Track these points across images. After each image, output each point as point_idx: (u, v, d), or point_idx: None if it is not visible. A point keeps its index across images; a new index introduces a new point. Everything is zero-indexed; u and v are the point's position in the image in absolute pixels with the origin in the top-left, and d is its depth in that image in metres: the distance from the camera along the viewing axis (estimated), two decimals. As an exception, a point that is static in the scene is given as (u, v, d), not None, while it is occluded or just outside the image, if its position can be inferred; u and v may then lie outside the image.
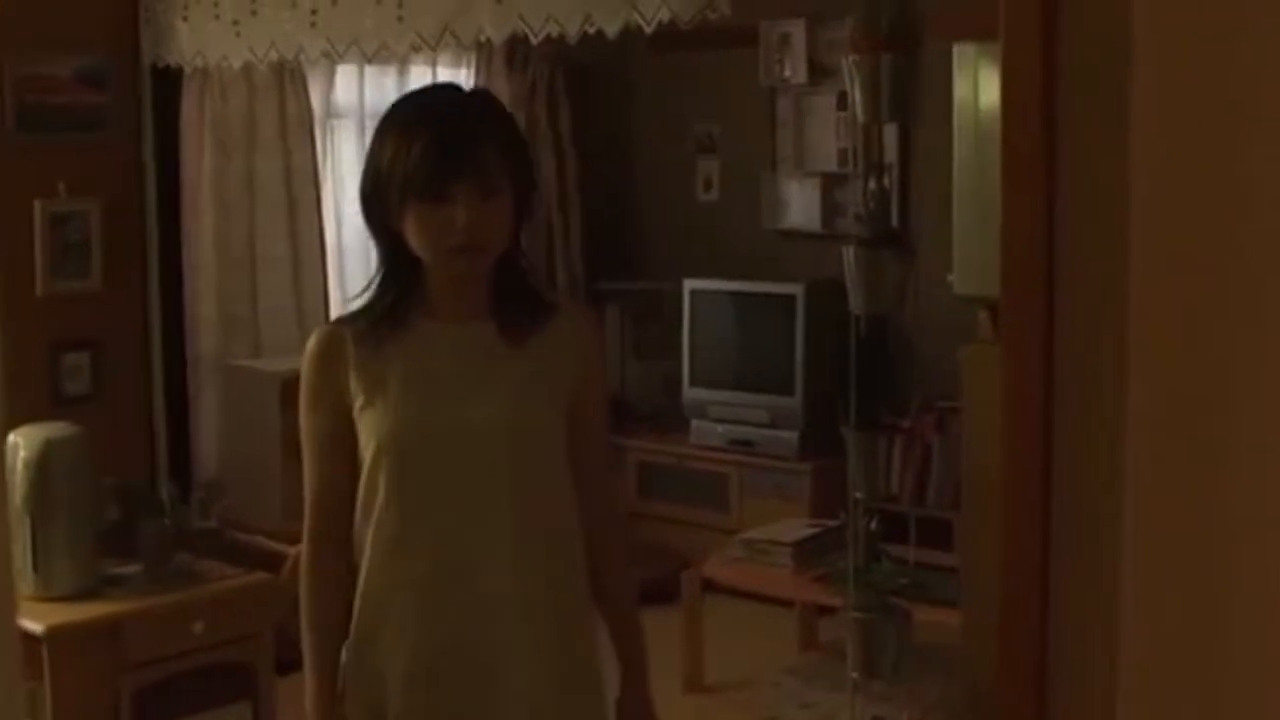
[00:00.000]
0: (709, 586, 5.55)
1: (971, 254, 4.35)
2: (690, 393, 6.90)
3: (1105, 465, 1.65)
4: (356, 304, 2.61)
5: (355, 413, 2.48)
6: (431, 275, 2.48)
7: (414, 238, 2.42)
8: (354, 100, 6.44)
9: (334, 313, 6.07)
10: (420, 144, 2.39)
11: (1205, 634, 1.66)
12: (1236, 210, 1.59)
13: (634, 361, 7.31)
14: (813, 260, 6.51)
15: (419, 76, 6.51)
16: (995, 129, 4.33)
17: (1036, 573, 1.73)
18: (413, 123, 2.44)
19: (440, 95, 2.64)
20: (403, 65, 6.52)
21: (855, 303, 3.51)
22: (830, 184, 6.85)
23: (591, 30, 3.91)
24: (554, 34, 3.99)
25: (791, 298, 6.51)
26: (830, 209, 6.84)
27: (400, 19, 4.29)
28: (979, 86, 4.33)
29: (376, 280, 2.53)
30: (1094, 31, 1.64)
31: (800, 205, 6.95)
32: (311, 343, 2.56)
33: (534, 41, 4.03)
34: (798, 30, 6.80)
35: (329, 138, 6.34)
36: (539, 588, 2.49)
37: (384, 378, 2.47)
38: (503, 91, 6.68)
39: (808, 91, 6.85)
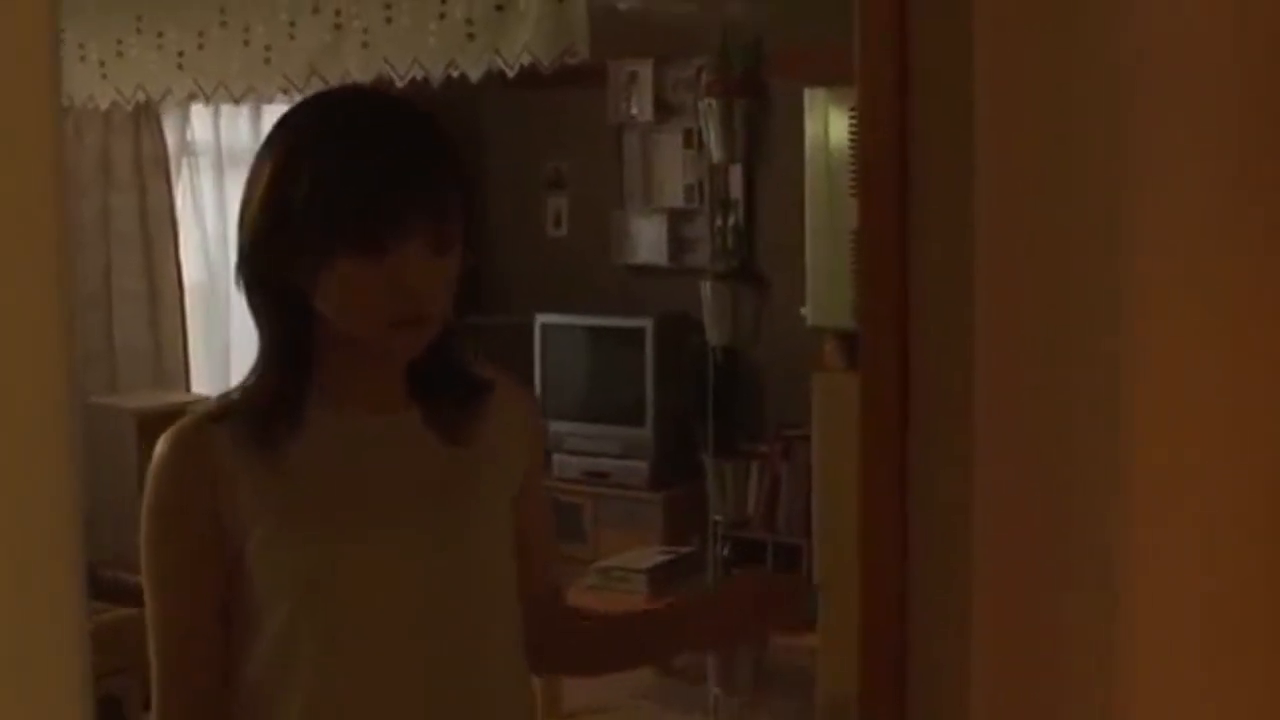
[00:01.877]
0: (566, 615, 5.61)
1: (824, 287, 4.53)
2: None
3: (956, 487, 1.77)
4: (227, 393, 1.89)
5: (239, 547, 1.79)
6: (335, 351, 1.83)
7: (333, 302, 1.77)
8: (210, 138, 6.48)
9: (194, 351, 6.10)
10: (356, 174, 1.74)
11: (1048, 645, 1.79)
12: (1071, 246, 1.75)
13: None
14: (661, 294, 6.66)
15: (273, 113, 6.56)
16: (844, 168, 4.56)
17: (895, 591, 1.83)
18: (342, 143, 1.77)
19: (370, 104, 1.90)
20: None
21: (712, 335, 3.65)
22: (677, 220, 7.00)
23: (455, 74, 4.03)
24: (419, 77, 4.10)
25: (641, 331, 6.65)
26: (677, 244, 6.99)
27: (268, 61, 4.38)
28: (829, 128, 4.52)
29: (260, 360, 1.85)
30: (941, 84, 1.78)
31: (648, 240, 7.09)
32: (163, 449, 1.81)
33: (399, 85, 4.15)
34: (645, 70, 6.95)
35: (185, 176, 6.39)
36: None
37: (283, 496, 1.80)
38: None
39: (654, 129, 7.00)
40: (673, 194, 7.01)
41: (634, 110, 7.02)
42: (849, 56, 1.89)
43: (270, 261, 1.80)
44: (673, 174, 7.02)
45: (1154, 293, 1.78)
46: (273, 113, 6.57)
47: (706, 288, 3.64)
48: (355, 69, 4.19)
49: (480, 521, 1.91)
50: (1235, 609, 2.03)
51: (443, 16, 3.90)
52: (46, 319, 0.72)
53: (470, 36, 3.86)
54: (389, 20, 4.04)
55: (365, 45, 4.15)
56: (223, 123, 6.49)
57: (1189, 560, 1.90)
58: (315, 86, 4.43)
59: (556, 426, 6.88)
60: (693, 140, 6.73)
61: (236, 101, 5.17)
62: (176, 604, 1.84)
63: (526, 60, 3.83)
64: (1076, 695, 1.79)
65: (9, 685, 0.77)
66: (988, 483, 1.76)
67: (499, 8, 3.79)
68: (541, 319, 6.91)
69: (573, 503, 6.76)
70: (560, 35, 3.75)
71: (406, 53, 4.06)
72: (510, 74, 3.92)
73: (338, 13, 4.18)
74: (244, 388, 1.84)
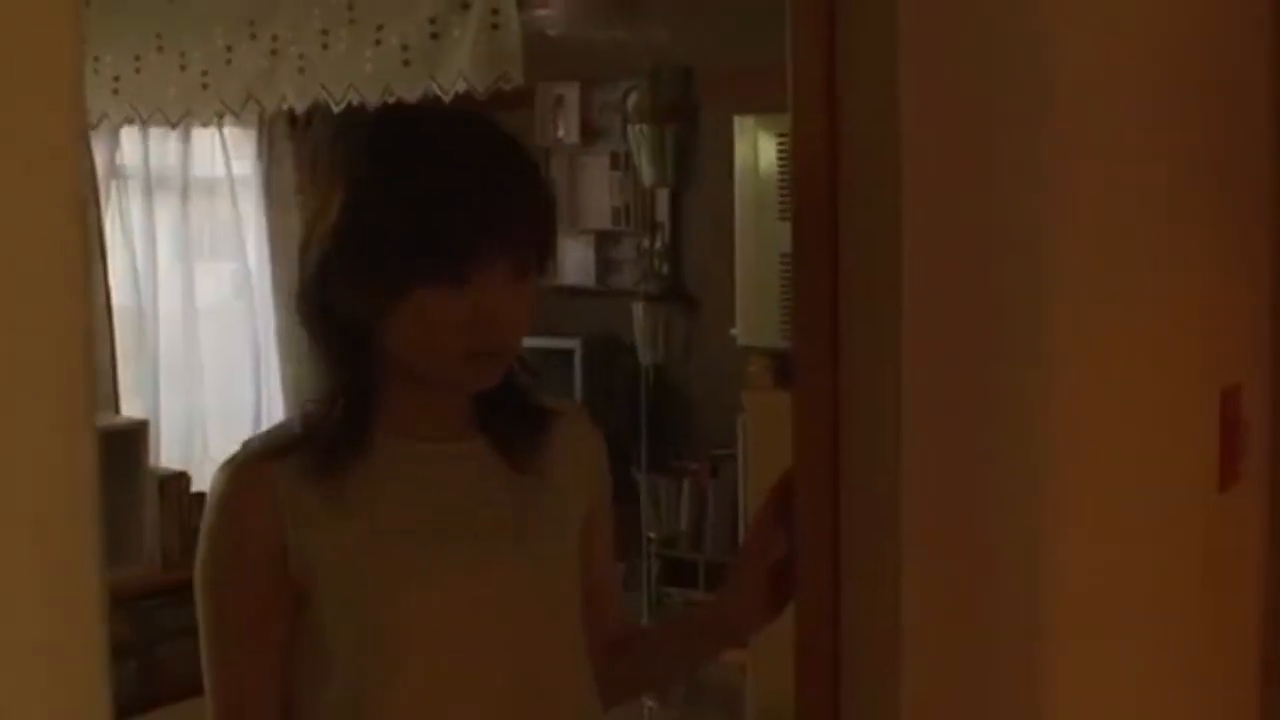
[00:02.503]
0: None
1: (753, 307, 4.61)
2: (473, 446, 6.96)
3: (886, 500, 1.80)
4: (281, 428, 1.81)
5: (307, 587, 1.69)
6: (399, 381, 1.73)
7: (407, 335, 1.67)
8: (139, 161, 6.49)
9: (123, 374, 6.10)
10: (442, 200, 1.64)
11: (975, 647, 1.85)
12: (993, 265, 1.82)
13: None
14: (589, 315, 6.71)
15: (203, 136, 6.59)
16: (773, 192, 4.65)
17: (828, 602, 1.87)
18: (425, 167, 1.66)
19: (450, 124, 1.79)
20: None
21: (644, 355, 3.72)
22: (604, 241, 7.03)
23: (392, 99, 4.09)
24: (355, 102, 4.15)
25: (570, 352, 6.69)
26: (605, 266, 7.03)
27: (205, 86, 4.41)
28: (758, 153, 4.61)
29: (322, 393, 1.74)
30: (869, 111, 1.84)
31: (575, 262, 7.13)
32: (223, 487, 1.72)
33: (335, 110, 4.20)
34: (572, 93, 6.99)
35: (114, 199, 6.39)
36: None
37: (354, 534, 1.70)
38: (287, 153, 6.79)
39: (581, 152, 7.03)
40: (600, 216, 7.05)
41: (561, 133, 7.05)
42: (778, 83, 1.92)
43: (340, 293, 1.69)
44: (600, 196, 7.05)
45: (1069, 309, 1.87)
46: (203, 136, 6.60)
47: (638, 308, 3.71)
48: (292, 95, 4.23)
49: (550, 554, 1.82)
50: (1148, 600, 2.13)
51: (379, 43, 3.96)
52: (71, 336, 0.78)
53: (406, 63, 3.92)
54: (325, 47, 4.09)
55: (302, 71, 4.19)
56: (152, 145, 6.50)
57: (1107, 564, 1.99)
58: (252, 111, 4.47)
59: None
60: (619, 163, 6.77)
61: (173, 126, 5.19)
62: (241, 646, 1.73)
63: (462, 87, 3.89)
64: (1004, 696, 1.87)
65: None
66: (916, 495, 1.81)
67: (434, 35, 3.85)
68: None
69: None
70: (495, 62, 3.81)
71: (343, 79, 4.11)
72: (446, 100, 3.99)
73: (274, 39, 4.22)
74: (304, 422, 1.74)
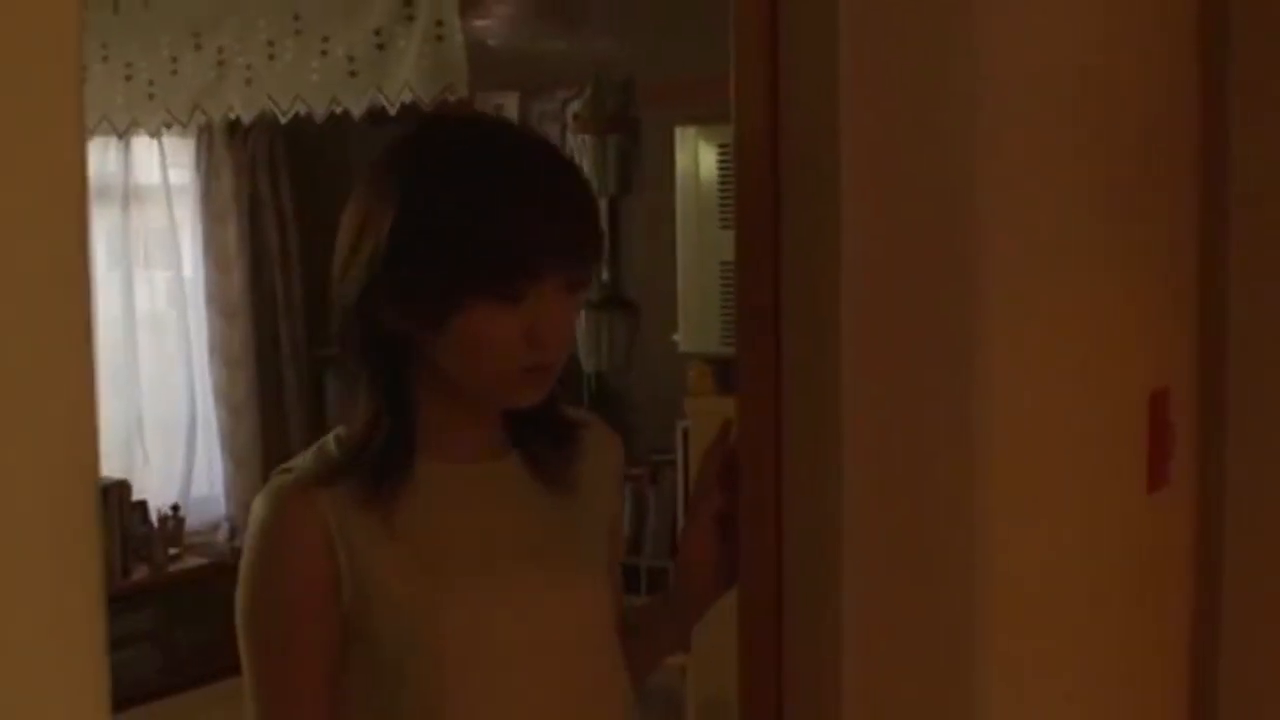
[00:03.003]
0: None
1: (695, 314, 4.67)
2: (413, 454, 6.96)
3: (827, 501, 1.86)
4: (317, 452, 1.71)
5: (359, 614, 1.65)
6: (438, 400, 1.70)
7: (459, 352, 1.64)
8: (80, 170, 6.48)
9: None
10: (503, 214, 1.61)
11: (912, 643, 1.89)
12: (930, 273, 1.86)
13: None
14: None
15: (142, 145, 6.59)
16: (714, 201, 4.70)
17: (771, 603, 1.90)
18: (483, 181, 1.63)
19: (501, 137, 1.76)
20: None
21: (586, 361, 3.76)
22: None
23: (338, 110, 4.12)
24: (301, 113, 4.18)
25: None
26: None
27: (151, 96, 4.42)
28: (699, 163, 4.66)
29: (364, 415, 1.68)
30: (810, 121, 1.87)
31: None
32: (268, 514, 1.66)
33: (283, 121, 4.22)
34: (510, 102, 7.01)
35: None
36: None
37: (407, 558, 1.66)
38: (225, 162, 6.80)
39: None
40: None
41: None
42: (720, 93, 1.97)
43: (390, 313, 1.65)
44: None
45: (1003, 313, 1.91)
46: (142, 145, 6.60)
47: (581, 317, 3.74)
48: (239, 105, 4.25)
49: (590, 568, 1.82)
50: (1080, 599, 2.17)
51: (324, 54, 3.99)
52: (74, 345, 0.82)
53: (352, 74, 3.96)
54: (272, 57, 4.12)
55: (249, 82, 4.21)
56: (93, 153, 6.50)
57: (1041, 562, 2.03)
58: (199, 121, 4.49)
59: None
60: None
61: (120, 136, 5.19)
62: (295, 680, 1.67)
63: (408, 97, 3.93)
64: (941, 690, 1.91)
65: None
66: (856, 498, 1.87)
67: (380, 46, 3.88)
68: None
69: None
70: (440, 73, 3.85)
71: (289, 89, 4.14)
72: (392, 111, 4.02)
73: (220, 49, 4.24)
74: (342, 446, 1.70)
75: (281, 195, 7.20)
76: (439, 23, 3.83)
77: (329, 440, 1.73)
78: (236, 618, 1.69)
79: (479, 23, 4.89)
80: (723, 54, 1.93)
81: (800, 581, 1.93)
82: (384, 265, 1.64)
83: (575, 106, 4.71)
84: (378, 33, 3.94)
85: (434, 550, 1.70)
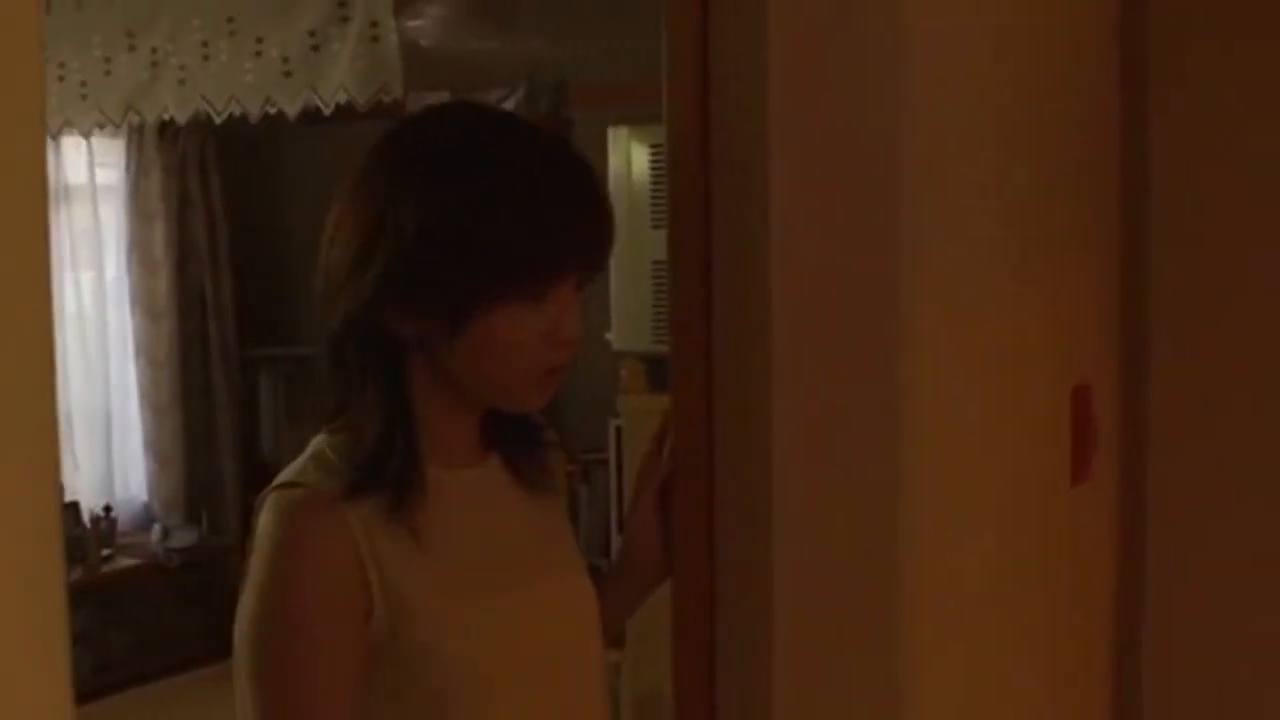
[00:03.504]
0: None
1: (627, 313, 4.69)
2: (348, 453, 6.94)
3: (758, 494, 1.89)
4: (314, 461, 1.61)
5: (391, 633, 1.55)
6: (437, 407, 1.63)
7: (478, 356, 1.57)
8: None
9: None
10: (531, 213, 1.55)
11: (842, 628, 1.92)
12: (857, 273, 1.88)
13: (287, 426, 7.41)
14: None
15: (70, 145, 6.56)
16: (646, 201, 4.73)
17: (705, 597, 1.94)
18: (526, 177, 1.57)
19: (530, 134, 1.66)
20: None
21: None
22: None
23: (273, 111, 4.13)
24: (235, 114, 4.18)
25: None
26: None
27: (84, 96, 4.41)
28: (631, 163, 4.69)
29: (371, 427, 1.58)
30: (740, 125, 1.89)
31: None
32: (286, 532, 1.54)
33: (217, 121, 4.23)
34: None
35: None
36: None
37: (436, 572, 1.59)
38: (154, 162, 6.78)
39: None
40: None
41: None
42: (652, 95, 1.99)
43: (404, 317, 1.57)
44: None
45: (930, 311, 1.95)
46: (72, 145, 6.57)
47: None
48: (173, 105, 4.25)
49: (580, 567, 1.81)
50: (1005, 590, 2.21)
51: (259, 55, 4.00)
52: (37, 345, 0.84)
53: (287, 75, 3.97)
54: (206, 58, 4.12)
55: (182, 83, 4.21)
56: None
57: (966, 554, 2.08)
58: (132, 122, 4.48)
59: (359, 454, 6.88)
60: None
61: (53, 137, 5.17)
62: (317, 706, 1.53)
63: (343, 98, 3.95)
64: (869, 677, 1.94)
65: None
66: (786, 489, 1.90)
67: (315, 48, 3.90)
68: None
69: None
70: (375, 74, 3.87)
71: (224, 90, 4.14)
72: (327, 111, 4.04)
73: (154, 50, 4.24)
74: (349, 456, 1.59)
75: (212, 195, 7.19)
76: (373, 24, 3.85)
77: (322, 450, 1.61)
78: (246, 645, 1.54)
79: (412, 23, 4.90)
80: (655, 56, 1.95)
81: (732, 575, 1.96)
82: (405, 267, 1.54)
83: (508, 107, 4.73)
84: (312, 34, 3.95)
85: (460, 563, 1.63)
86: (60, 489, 0.84)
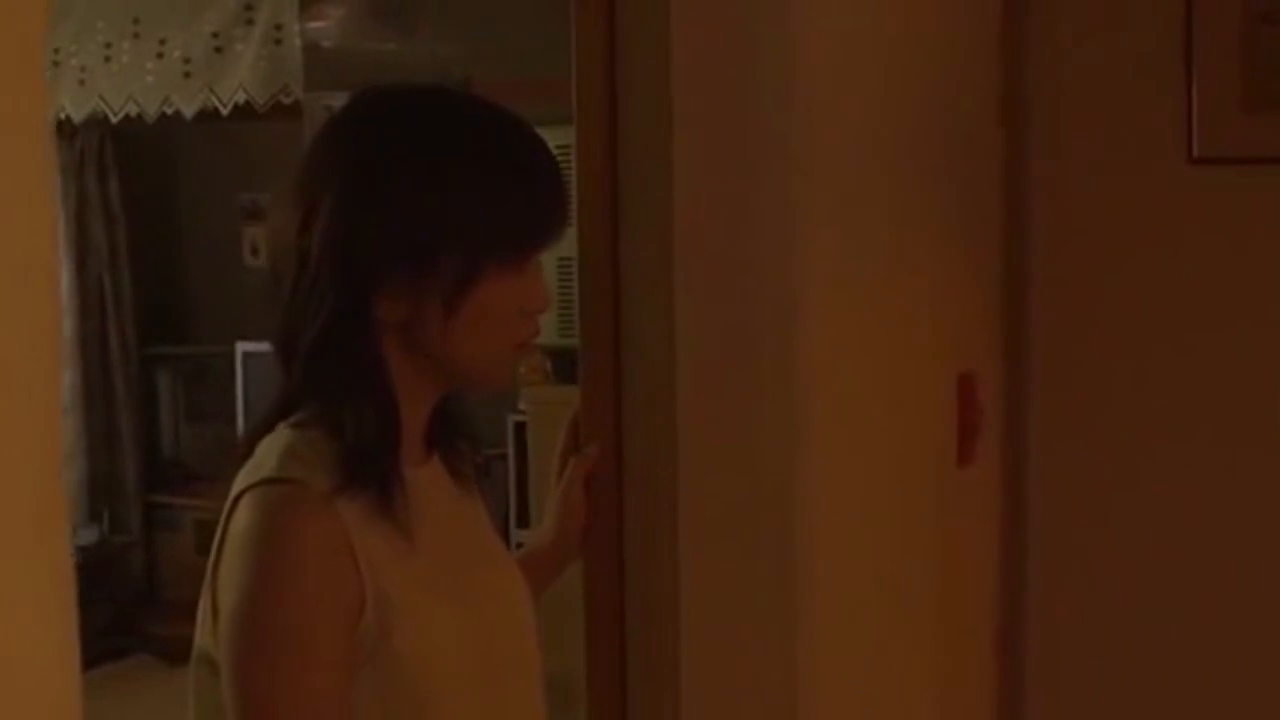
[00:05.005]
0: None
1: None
2: (248, 451, 6.94)
3: (663, 480, 1.97)
4: (279, 457, 1.50)
5: (385, 633, 1.47)
6: (406, 399, 1.56)
7: (469, 333, 1.53)
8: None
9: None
10: (528, 186, 1.54)
11: (742, 616, 2.00)
12: (755, 264, 1.96)
13: (187, 425, 7.38)
14: None
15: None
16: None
17: (614, 581, 1.99)
18: (507, 151, 1.55)
19: (496, 110, 1.62)
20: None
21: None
22: None
23: (170, 111, 4.14)
24: (133, 114, 4.20)
25: None
26: None
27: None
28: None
29: (354, 422, 1.51)
30: (645, 125, 1.94)
31: None
32: (278, 526, 1.45)
33: (113, 121, 4.25)
34: (339, 103, 6.91)
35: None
36: None
37: (421, 571, 1.54)
38: (53, 163, 6.76)
39: None
40: None
41: None
42: (557, 95, 2.05)
43: (397, 300, 1.51)
44: None
45: (822, 301, 2.03)
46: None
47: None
48: (70, 105, 4.27)
49: (512, 562, 1.77)
50: (894, 569, 2.29)
51: (160, 56, 4.03)
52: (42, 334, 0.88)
53: (187, 75, 4.00)
54: (107, 59, 4.14)
55: (81, 83, 4.23)
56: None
57: (858, 534, 2.15)
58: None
59: (259, 452, 6.89)
60: None
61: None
62: (313, 708, 1.45)
63: (242, 99, 3.99)
64: (765, 656, 2.02)
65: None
66: (690, 474, 1.98)
67: (218, 49, 3.93)
68: (243, 347, 6.92)
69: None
70: (276, 76, 3.91)
71: (123, 90, 4.16)
72: (224, 112, 4.07)
73: (55, 50, 4.26)
74: (328, 456, 1.50)
75: (110, 195, 7.16)
76: (278, 26, 3.89)
77: (294, 446, 1.52)
78: (235, 648, 1.46)
79: (313, 25, 4.93)
80: (559, 56, 2.01)
81: (640, 558, 2.02)
82: (408, 252, 1.50)
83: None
84: (216, 35, 3.99)
85: (438, 560, 1.58)
86: (59, 475, 0.89)
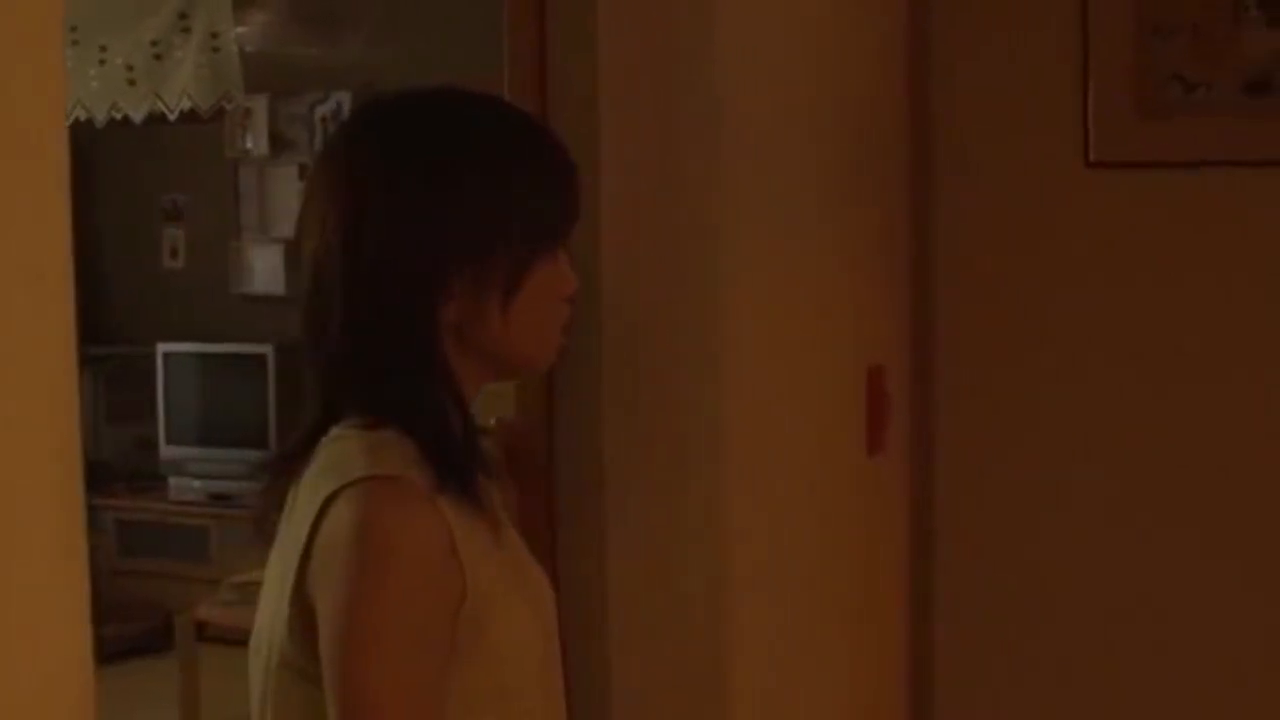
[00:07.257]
0: (202, 632, 5.44)
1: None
2: (167, 451, 7.00)
3: (594, 469, 2.08)
4: (367, 454, 1.47)
5: (479, 626, 1.47)
6: (469, 391, 1.56)
7: (526, 319, 1.55)
8: None
9: None
10: (569, 173, 1.58)
11: (670, 605, 2.10)
12: (680, 271, 2.07)
13: (107, 425, 7.34)
14: (280, 321, 6.70)
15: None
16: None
17: (548, 561, 2.02)
18: (537, 142, 1.59)
19: (490, 103, 1.65)
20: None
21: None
22: (293, 249, 6.97)
23: (119, 116, 4.20)
24: (82, 118, 4.26)
25: (262, 357, 6.67)
26: (295, 273, 6.98)
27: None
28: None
29: (428, 419, 1.51)
30: (575, 125, 1.99)
31: (265, 270, 7.10)
32: (392, 522, 1.44)
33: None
34: (260, 105, 6.91)
35: None
36: None
37: (502, 564, 1.53)
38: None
39: (270, 163, 6.96)
40: (289, 225, 6.93)
41: (249, 145, 7.00)
42: None
43: (462, 299, 1.52)
44: (289, 206, 6.92)
45: (744, 303, 2.13)
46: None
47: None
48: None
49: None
50: (811, 548, 2.39)
51: (103, 63, 4.10)
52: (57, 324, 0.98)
53: (131, 82, 4.07)
54: (49, 65, 4.19)
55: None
56: None
57: (776, 519, 2.26)
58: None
59: (179, 452, 6.94)
60: (307, 174, 6.80)
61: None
62: (429, 695, 1.44)
63: (186, 105, 4.06)
64: (693, 642, 2.13)
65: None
66: (614, 455, 2.09)
67: (157, 56, 4.01)
68: (163, 348, 6.88)
69: (198, 525, 6.81)
70: (218, 82, 4.00)
71: (69, 96, 4.23)
72: (171, 117, 4.15)
73: None
74: (412, 454, 1.48)
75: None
76: (214, 34, 3.98)
77: (376, 444, 1.50)
78: (345, 642, 1.43)
79: (238, 30, 5.02)
80: (482, 64, 2.10)
81: (572, 553, 2.13)
82: (474, 249, 1.52)
83: (322, 110, 4.84)
84: (155, 43, 4.06)
85: (513, 557, 1.58)
86: (79, 463, 1.01)
